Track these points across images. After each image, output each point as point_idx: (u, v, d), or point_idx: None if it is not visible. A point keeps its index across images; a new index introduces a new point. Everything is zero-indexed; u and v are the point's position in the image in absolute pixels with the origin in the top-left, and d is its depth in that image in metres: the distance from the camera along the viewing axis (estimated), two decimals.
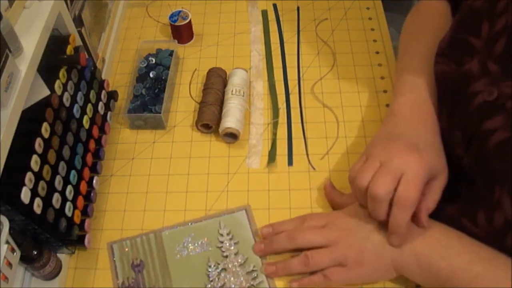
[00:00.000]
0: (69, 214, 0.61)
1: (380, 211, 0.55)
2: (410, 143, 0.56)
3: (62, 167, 0.61)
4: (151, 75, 0.80)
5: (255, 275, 0.61)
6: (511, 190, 0.50)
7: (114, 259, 0.64)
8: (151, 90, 0.78)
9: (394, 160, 0.54)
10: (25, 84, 0.53)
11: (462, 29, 0.60)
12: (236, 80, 0.78)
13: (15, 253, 0.53)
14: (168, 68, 0.81)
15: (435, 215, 0.57)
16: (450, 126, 0.60)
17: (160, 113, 0.75)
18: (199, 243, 0.64)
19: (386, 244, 0.57)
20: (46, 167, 0.57)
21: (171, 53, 0.83)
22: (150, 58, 0.83)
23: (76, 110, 0.66)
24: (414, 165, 0.54)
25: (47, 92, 0.58)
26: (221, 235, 0.65)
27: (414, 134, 0.58)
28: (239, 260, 0.62)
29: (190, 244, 0.64)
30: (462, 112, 0.57)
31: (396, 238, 0.56)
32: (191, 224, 0.66)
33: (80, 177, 0.65)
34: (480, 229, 0.54)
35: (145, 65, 0.82)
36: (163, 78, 0.80)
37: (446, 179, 0.57)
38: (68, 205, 0.61)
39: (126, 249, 0.65)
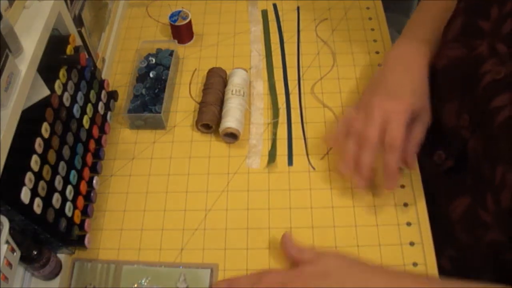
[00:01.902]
0: (69, 214, 0.61)
1: (368, 156, 0.61)
2: (390, 91, 0.64)
3: (62, 167, 0.61)
4: (151, 75, 0.80)
5: None
6: None
7: (72, 277, 0.64)
8: (151, 90, 0.78)
9: (375, 110, 0.62)
10: (25, 84, 0.53)
11: (473, 13, 0.61)
12: (236, 80, 0.78)
13: (15, 253, 0.53)
14: (168, 68, 0.81)
15: (452, 211, 0.60)
16: (460, 110, 0.61)
17: (160, 113, 0.75)
18: None
19: None
20: (46, 167, 0.57)
21: (171, 53, 0.83)
22: (150, 58, 0.83)
23: (76, 110, 0.66)
24: (395, 112, 0.61)
25: (47, 92, 0.58)
26: None
27: (396, 83, 0.65)
28: None
29: (145, 286, 0.63)
30: (472, 94, 0.58)
31: (390, 182, 0.63)
32: (152, 266, 0.64)
33: (80, 177, 0.65)
34: (490, 213, 0.54)
35: (145, 65, 0.82)
36: (163, 78, 0.80)
37: (428, 121, 0.64)
38: (68, 205, 0.61)
39: (85, 271, 0.64)
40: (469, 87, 0.59)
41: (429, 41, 0.68)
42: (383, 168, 0.61)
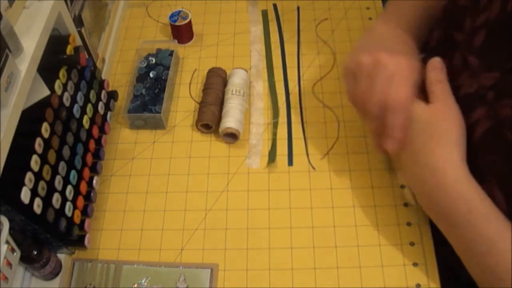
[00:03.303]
0: (69, 214, 0.61)
1: (375, 124, 0.57)
2: (390, 49, 0.57)
3: (62, 167, 0.61)
4: (151, 75, 0.80)
5: None
6: (501, 182, 0.50)
7: (72, 277, 0.64)
8: (151, 90, 0.78)
9: (380, 67, 0.55)
10: (25, 84, 0.53)
11: (449, 24, 0.60)
12: (236, 80, 0.78)
13: (15, 253, 0.53)
14: (168, 68, 0.81)
15: None
16: None
17: (160, 113, 0.75)
18: None
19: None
20: (46, 167, 0.57)
21: (171, 53, 0.83)
22: (150, 58, 0.83)
23: (76, 110, 0.66)
24: (402, 66, 0.54)
25: (47, 92, 0.58)
26: None
27: (391, 46, 0.59)
28: None
29: (145, 286, 0.63)
30: None
31: (391, 142, 0.56)
32: (152, 266, 0.64)
33: (80, 177, 0.65)
34: None
35: (145, 65, 0.82)
36: (163, 78, 0.80)
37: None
38: (68, 205, 0.61)
39: (85, 271, 0.64)
40: None
41: (413, 33, 0.64)
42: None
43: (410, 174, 0.56)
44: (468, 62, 0.55)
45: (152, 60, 0.83)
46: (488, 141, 0.52)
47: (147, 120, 0.76)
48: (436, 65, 0.56)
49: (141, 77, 0.81)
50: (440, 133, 0.53)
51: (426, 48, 0.64)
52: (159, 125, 0.77)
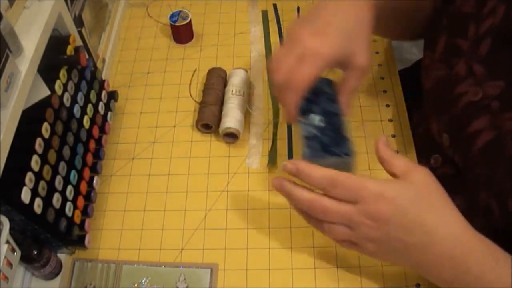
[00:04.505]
0: (69, 214, 0.61)
1: (277, 94, 0.57)
2: (319, 27, 0.56)
3: (62, 167, 0.61)
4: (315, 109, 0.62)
5: None
6: (498, 195, 0.50)
7: (72, 276, 0.64)
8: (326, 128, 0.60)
9: (295, 43, 0.55)
10: (25, 84, 0.53)
11: (453, 31, 0.60)
12: (236, 80, 0.78)
13: (15, 253, 0.53)
14: (334, 100, 0.62)
15: None
16: (440, 129, 0.60)
17: (350, 155, 0.56)
18: None
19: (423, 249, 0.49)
20: (46, 167, 0.57)
21: (328, 82, 0.64)
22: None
23: (76, 110, 0.66)
24: (315, 48, 0.54)
25: (47, 92, 0.59)
26: None
27: (326, 19, 0.57)
28: None
29: (145, 286, 0.63)
30: (449, 114, 0.58)
31: (287, 117, 0.57)
32: (152, 266, 0.64)
33: (80, 177, 0.65)
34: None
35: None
36: (331, 111, 0.62)
37: (364, 66, 0.57)
38: (68, 205, 0.61)
39: (85, 271, 0.64)
40: (446, 106, 0.58)
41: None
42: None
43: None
44: (473, 70, 0.55)
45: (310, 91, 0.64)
46: (489, 153, 0.51)
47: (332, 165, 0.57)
48: (384, 141, 0.53)
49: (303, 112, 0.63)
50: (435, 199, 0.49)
51: (433, 53, 0.64)
52: (348, 169, 0.56)
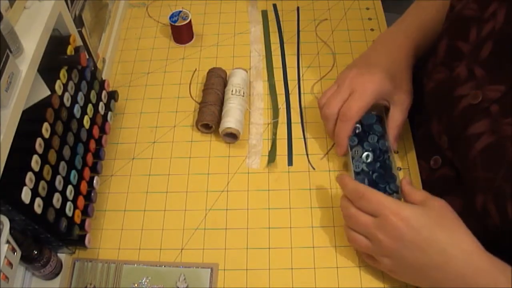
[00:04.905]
0: (69, 214, 0.61)
1: (328, 127, 0.67)
2: (364, 66, 0.66)
3: (63, 167, 0.61)
4: (365, 146, 0.68)
5: None
6: (497, 199, 0.50)
7: (72, 276, 0.64)
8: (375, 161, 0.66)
9: (345, 83, 0.65)
10: (25, 84, 0.54)
11: (454, 34, 0.60)
12: (236, 80, 0.78)
13: (15, 253, 0.53)
14: (381, 135, 0.68)
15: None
16: (439, 130, 0.60)
17: (398, 193, 0.62)
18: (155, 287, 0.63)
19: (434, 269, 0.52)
20: (47, 167, 0.57)
21: (378, 119, 0.69)
22: (356, 125, 0.69)
23: (76, 110, 0.66)
24: (362, 85, 0.63)
25: (47, 92, 0.59)
26: None
27: (373, 60, 0.67)
28: None
29: (145, 286, 0.63)
30: (448, 116, 0.58)
31: (338, 149, 0.67)
32: (152, 266, 0.64)
33: (80, 177, 0.65)
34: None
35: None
36: (380, 147, 0.67)
37: (407, 104, 0.66)
38: (69, 205, 0.61)
39: (86, 271, 0.64)
40: (446, 108, 0.59)
41: (414, 38, 0.69)
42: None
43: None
44: (474, 72, 0.55)
45: (359, 128, 0.70)
46: (488, 157, 0.51)
47: None
48: (407, 180, 0.59)
49: (352, 147, 0.68)
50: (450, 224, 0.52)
51: (435, 57, 0.64)
52: None
